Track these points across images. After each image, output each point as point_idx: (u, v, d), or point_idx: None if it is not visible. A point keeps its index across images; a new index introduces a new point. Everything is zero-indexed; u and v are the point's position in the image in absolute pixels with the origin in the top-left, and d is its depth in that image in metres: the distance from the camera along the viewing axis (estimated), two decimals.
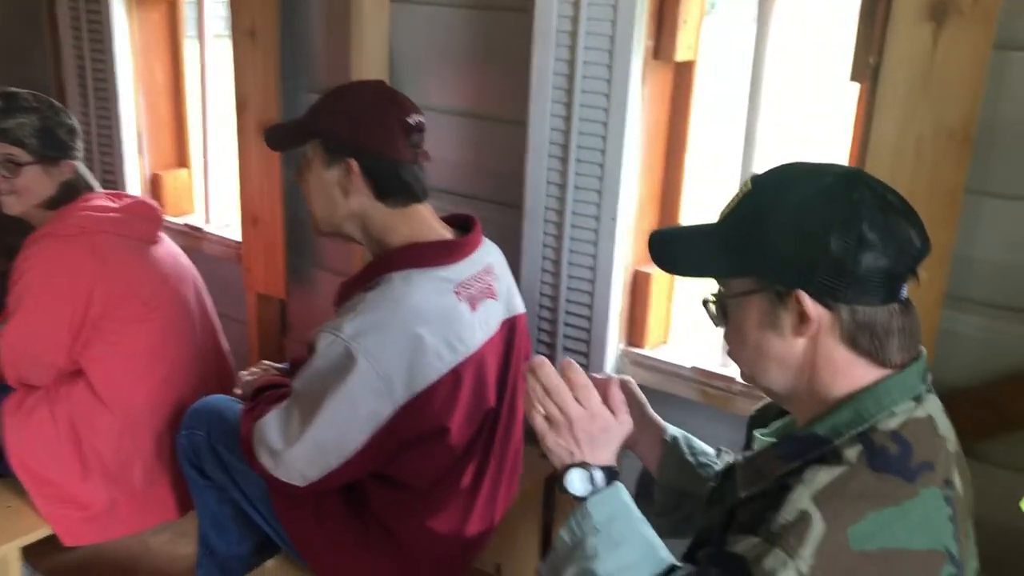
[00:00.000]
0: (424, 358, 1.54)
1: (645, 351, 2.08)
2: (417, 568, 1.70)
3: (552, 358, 2.12)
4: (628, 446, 1.34)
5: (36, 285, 1.92)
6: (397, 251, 1.62)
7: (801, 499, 0.95)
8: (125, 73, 2.74)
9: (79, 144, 2.04)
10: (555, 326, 2.10)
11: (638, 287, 2.07)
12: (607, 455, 1.12)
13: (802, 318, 1.00)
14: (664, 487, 1.34)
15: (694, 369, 2.00)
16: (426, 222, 1.67)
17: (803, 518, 0.94)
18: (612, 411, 1.14)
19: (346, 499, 1.68)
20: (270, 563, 1.82)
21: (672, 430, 1.36)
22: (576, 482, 1.10)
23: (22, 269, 1.94)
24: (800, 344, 1.02)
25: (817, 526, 0.93)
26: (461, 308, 1.61)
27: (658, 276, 2.06)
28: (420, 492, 1.65)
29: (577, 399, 1.11)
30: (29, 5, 3.02)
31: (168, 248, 2.13)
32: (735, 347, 1.10)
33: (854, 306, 0.99)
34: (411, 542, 1.67)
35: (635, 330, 2.10)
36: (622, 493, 1.11)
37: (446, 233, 1.69)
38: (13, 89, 2.00)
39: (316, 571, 1.74)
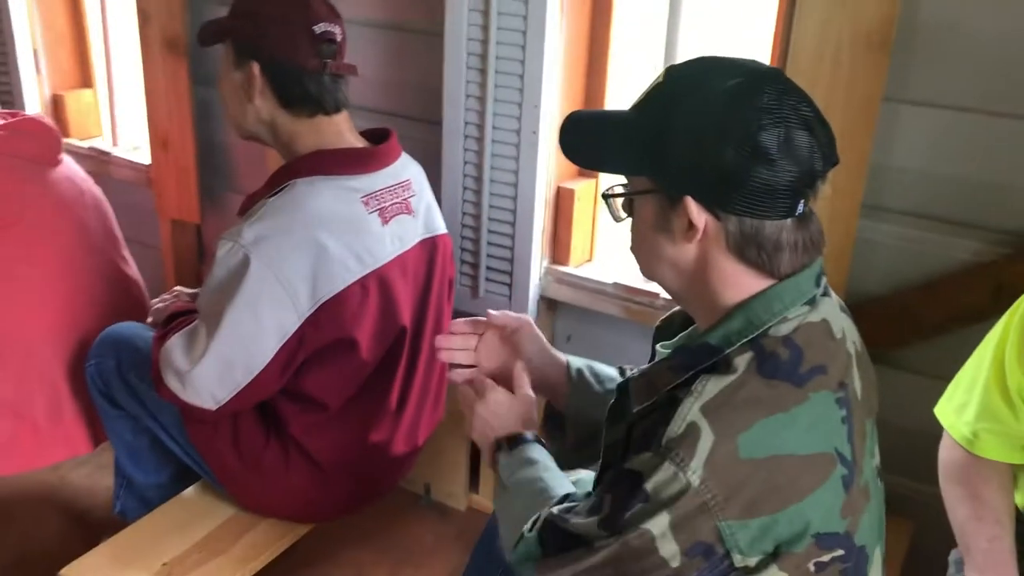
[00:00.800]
0: (329, 267, 1.50)
1: (569, 268, 2.07)
2: (339, 489, 1.68)
3: (475, 278, 2.09)
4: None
5: None
6: (303, 158, 1.57)
7: (690, 411, 0.94)
8: None
9: None
10: (478, 245, 2.06)
11: (561, 204, 2.04)
12: (510, 425, 1.22)
13: (689, 225, 0.98)
14: (574, 421, 1.33)
15: (617, 285, 1.99)
16: (339, 133, 1.61)
17: (691, 429, 0.93)
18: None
19: (262, 422, 1.65)
20: (189, 491, 1.79)
21: (575, 362, 1.35)
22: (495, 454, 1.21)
23: None
24: (690, 250, 1.00)
25: (706, 437, 0.93)
26: (370, 219, 1.57)
27: (581, 192, 2.03)
28: (337, 412, 1.62)
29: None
30: None
31: (68, 171, 2.02)
32: (633, 244, 1.09)
33: (743, 218, 0.96)
34: (331, 463, 1.65)
35: (559, 248, 2.08)
36: (525, 451, 1.18)
37: (358, 144, 1.63)
38: None
39: (236, 497, 1.72)
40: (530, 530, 1.06)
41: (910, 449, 1.74)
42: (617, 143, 1.03)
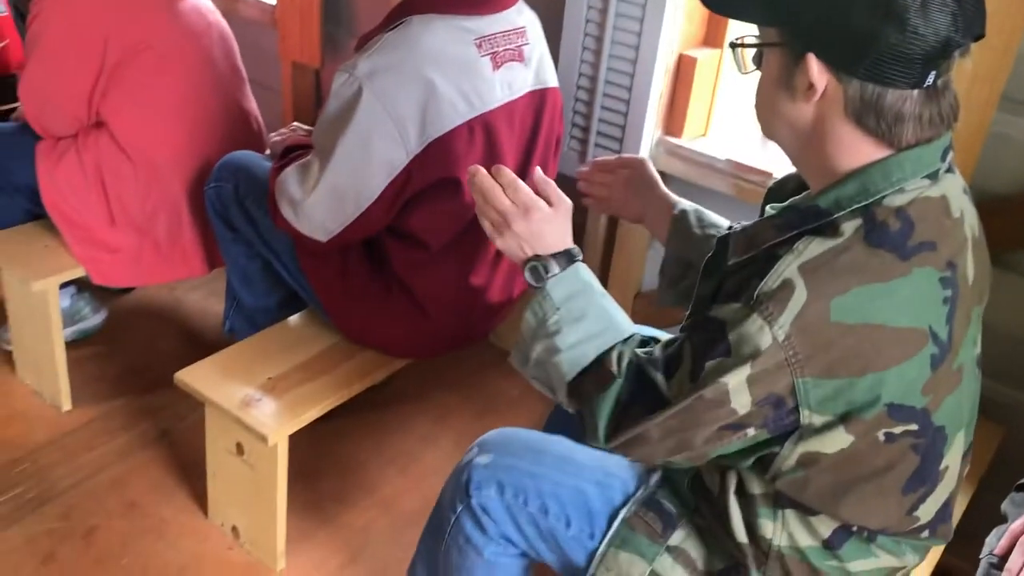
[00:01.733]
0: (437, 106, 1.51)
1: (681, 141, 2.03)
2: (435, 327, 1.74)
3: (585, 142, 2.08)
4: (635, 220, 1.41)
5: (48, 27, 1.88)
6: None
7: (788, 268, 0.93)
8: None
9: None
10: (591, 108, 2.03)
11: (682, 72, 1.98)
12: (556, 240, 1.14)
13: (809, 85, 0.95)
14: (671, 257, 1.37)
15: (729, 162, 1.95)
16: None
17: (786, 285, 0.93)
18: (547, 200, 1.14)
19: (368, 257, 1.71)
20: (295, 317, 1.88)
21: (683, 204, 1.38)
22: (529, 274, 1.13)
23: (35, 11, 1.89)
24: (808, 111, 0.97)
25: (799, 295, 0.92)
26: (482, 63, 1.57)
27: (704, 62, 1.97)
28: (438, 252, 1.66)
29: (509, 198, 1.14)
30: None
31: (198, 3, 2.06)
32: (756, 98, 1.06)
33: (865, 83, 0.92)
34: (430, 301, 1.71)
35: (674, 119, 2.03)
36: (581, 272, 1.13)
37: None
38: None
39: (338, 326, 1.80)
40: (616, 377, 1.05)
41: (1011, 356, 1.70)
42: None
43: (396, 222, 1.65)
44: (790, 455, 1.00)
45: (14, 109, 2.24)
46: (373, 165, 1.54)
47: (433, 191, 1.60)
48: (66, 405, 2.08)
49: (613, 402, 1.06)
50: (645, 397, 1.03)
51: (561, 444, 1.31)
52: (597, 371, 1.07)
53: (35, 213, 2.07)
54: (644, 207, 1.42)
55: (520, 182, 1.15)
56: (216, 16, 2.12)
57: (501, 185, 1.15)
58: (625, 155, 1.41)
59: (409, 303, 1.72)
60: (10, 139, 2.06)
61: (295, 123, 2.05)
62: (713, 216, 1.37)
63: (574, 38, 2.00)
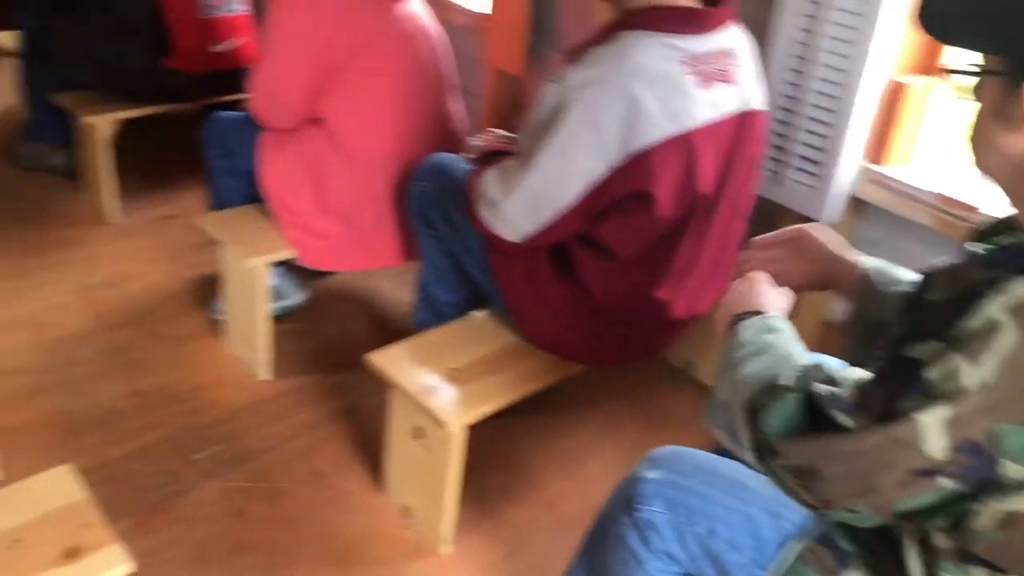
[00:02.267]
0: (641, 120, 1.54)
1: (886, 170, 1.95)
2: (615, 336, 1.77)
3: (782, 164, 2.04)
4: (820, 289, 1.34)
5: (279, 30, 2.05)
6: (633, 12, 1.60)
7: (994, 307, 0.88)
8: None
9: None
10: (792, 130, 2.00)
11: (892, 99, 1.92)
12: (761, 304, 1.20)
13: None
14: (857, 317, 1.30)
15: (934, 194, 1.86)
16: None
17: (992, 325, 0.87)
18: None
19: (556, 263, 1.76)
20: (478, 314, 1.96)
21: (866, 263, 1.30)
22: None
23: (271, 12, 2.06)
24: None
25: (1006, 335, 0.86)
26: (687, 80, 1.57)
27: (917, 89, 1.89)
28: (626, 262, 1.69)
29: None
30: None
31: (413, 9, 2.19)
32: (971, 129, 1.01)
33: None
34: (612, 310, 1.73)
35: (878, 146, 1.96)
36: (769, 320, 1.15)
37: (691, 5, 1.63)
38: None
39: (519, 325, 1.86)
40: (791, 390, 1.02)
41: None
42: (978, 13, 0.96)
43: (587, 230, 1.69)
44: (987, 514, 0.94)
45: (242, 100, 2.45)
46: (572, 173, 1.59)
47: (627, 203, 1.62)
48: (265, 375, 2.26)
49: (787, 419, 1.02)
50: (822, 429, 1.01)
51: (733, 469, 1.30)
52: (772, 385, 1.05)
53: (254, 196, 2.26)
54: (824, 274, 1.33)
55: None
56: (430, 22, 2.24)
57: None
58: (784, 230, 1.34)
59: (590, 310, 1.75)
60: (239, 128, 2.26)
61: (493, 128, 2.13)
62: (898, 271, 1.30)
63: (780, 58, 1.97)
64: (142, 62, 2.58)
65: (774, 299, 1.22)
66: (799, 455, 1.01)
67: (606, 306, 1.73)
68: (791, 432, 1.02)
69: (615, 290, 1.73)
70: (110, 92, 2.69)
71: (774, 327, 1.14)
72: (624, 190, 1.60)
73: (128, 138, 2.83)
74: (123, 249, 2.75)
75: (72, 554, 1.28)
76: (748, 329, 1.14)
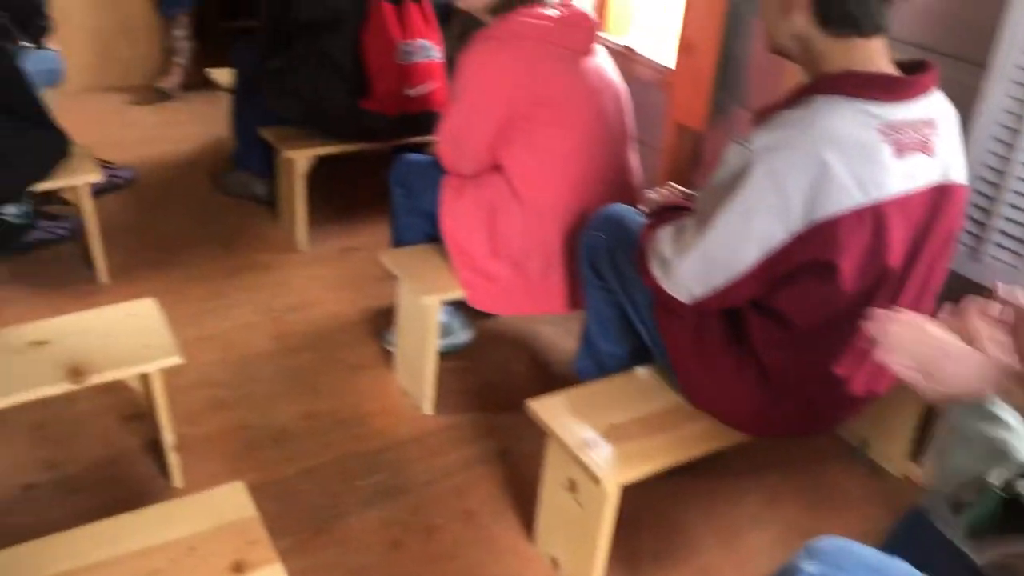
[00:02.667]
0: (829, 188, 1.48)
1: None
2: (784, 409, 1.70)
3: (981, 240, 1.91)
4: None
5: (469, 81, 2.13)
6: (828, 75, 1.54)
7: None
8: None
9: None
10: (995, 204, 1.87)
11: None
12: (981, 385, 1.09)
13: None
14: None
15: None
16: (870, 58, 1.55)
17: None
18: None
19: (727, 326, 1.71)
20: (642, 370, 1.93)
21: None
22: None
23: (462, 64, 2.15)
24: None
25: None
26: (882, 149, 1.50)
27: None
28: (804, 333, 1.62)
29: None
30: None
31: (599, 61, 2.21)
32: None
33: None
34: (784, 382, 1.67)
35: None
36: (990, 406, 1.06)
37: (890, 71, 1.56)
38: None
39: (684, 386, 1.82)
40: (998, 488, 0.96)
41: None
42: None
43: (762, 297, 1.64)
44: None
45: (430, 143, 2.56)
46: (751, 238, 1.55)
47: (808, 272, 1.56)
48: (429, 409, 2.32)
49: (983, 517, 0.97)
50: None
51: (903, 571, 1.21)
52: (980, 482, 0.98)
53: (433, 236, 2.34)
54: None
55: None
56: (615, 76, 2.26)
57: None
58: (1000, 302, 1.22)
59: (761, 379, 1.69)
60: (424, 170, 2.35)
61: (673, 184, 2.11)
62: None
63: (987, 127, 1.85)
64: (342, 102, 2.75)
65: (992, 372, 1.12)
66: (991, 552, 0.94)
67: (778, 377, 1.67)
68: (983, 530, 0.96)
69: (789, 362, 1.66)
70: (311, 129, 2.88)
71: (992, 415, 1.06)
72: (805, 259, 1.54)
73: (322, 172, 3.01)
74: (310, 276, 2.92)
75: (238, 568, 1.35)
76: (966, 414, 1.07)
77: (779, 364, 1.66)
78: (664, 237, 1.70)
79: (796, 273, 1.57)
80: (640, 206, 2.06)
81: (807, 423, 1.77)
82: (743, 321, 1.70)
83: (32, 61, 2.95)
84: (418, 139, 2.92)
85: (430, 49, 2.74)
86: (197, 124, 3.94)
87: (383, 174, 2.48)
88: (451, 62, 2.74)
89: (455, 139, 2.20)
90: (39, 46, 3.05)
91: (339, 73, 2.72)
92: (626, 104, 2.28)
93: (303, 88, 2.77)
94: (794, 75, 1.73)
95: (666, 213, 1.84)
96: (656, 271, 1.70)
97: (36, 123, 2.55)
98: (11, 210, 2.77)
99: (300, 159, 2.89)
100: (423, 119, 2.80)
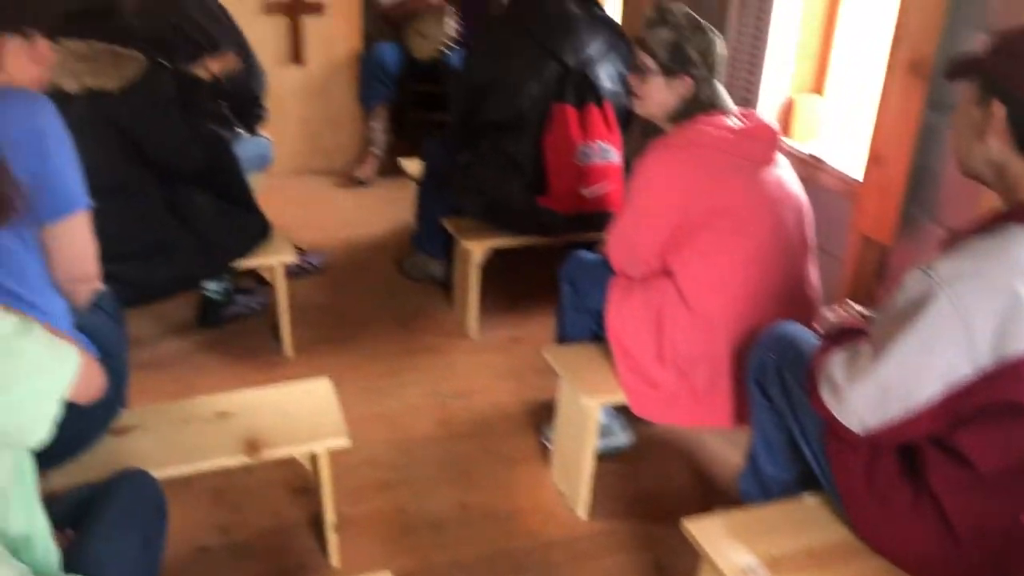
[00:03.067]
0: (1021, 322, 1.36)
1: None
2: (965, 557, 1.55)
3: None
4: None
5: (644, 187, 2.14)
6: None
7: None
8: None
9: (710, 64, 2.13)
10: None
11: None
12: None
13: None
14: None
15: None
16: None
17: None
18: None
19: (902, 462, 1.60)
20: (809, 498, 1.83)
21: None
22: None
23: (638, 168, 2.16)
24: None
25: None
26: None
27: None
28: (988, 477, 1.48)
29: None
30: None
31: (781, 172, 2.17)
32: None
33: None
34: (965, 528, 1.53)
35: None
36: None
37: None
38: (669, 5, 2.18)
39: (854, 521, 1.70)
40: None
41: None
42: None
43: (943, 432, 1.52)
44: None
45: (601, 241, 2.58)
46: (931, 371, 1.45)
47: (995, 412, 1.44)
48: (582, 512, 2.29)
49: None
50: None
51: None
52: None
53: (598, 335, 2.35)
54: None
55: None
56: (796, 187, 2.21)
57: None
58: None
59: (938, 522, 1.56)
60: (593, 269, 2.37)
61: (852, 303, 2.02)
62: None
63: None
64: (521, 199, 2.84)
65: None
66: None
67: (961, 523, 1.53)
68: None
69: (971, 506, 1.52)
70: (489, 222, 2.98)
71: None
72: (992, 398, 1.42)
73: (496, 262, 3.09)
74: (477, 363, 2.99)
75: None
76: None
77: (961, 509, 1.53)
78: (837, 361, 1.62)
79: (981, 412, 1.45)
80: (815, 325, 1.98)
81: (989, 574, 1.61)
82: (921, 457, 1.58)
83: (246, 147, 3.23)
84: (591, 236, 2.95)
85: (609, 151, 2.79)
86: (387, 209, 4.17)
87: (554, 268, 2.53)
88: (629, 165, 2.78)
89: (625, 241, 2.21)
90: (253, 133, 3.35)
91: (520, 171, 2.82)
92: (807, 216, 2.22)
93: (485, 184, 2.88)
94: (991, 202, 1.63)
95: (842, 336, 1.76)
96: (827, 397, 1.62)
97: (243, 206, 2.79)
98: (212, 286, 3.03)
99: (477, 250, 2.98)
100: (597, 218, 2.83)
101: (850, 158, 2.80)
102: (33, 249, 1.61)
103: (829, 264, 2.67)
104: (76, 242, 1.72)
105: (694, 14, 2.17)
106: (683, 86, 2.16)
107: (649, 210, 2.14)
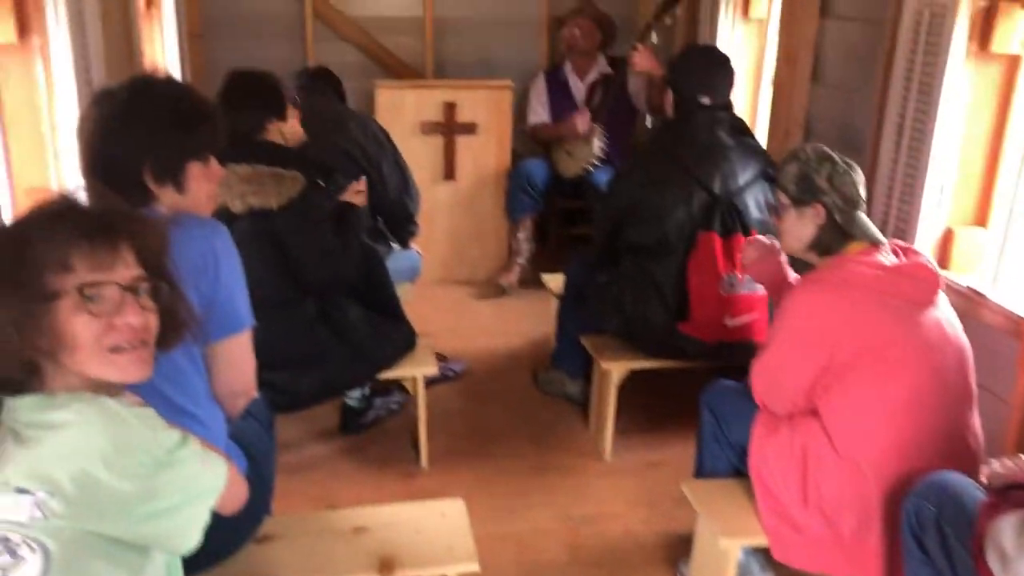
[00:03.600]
0: None
1: None
2: None
3: None
4: None
5: (791, 323, 2.09)
6: None
7: None
8: (945, 127, 2.71)
9: (843, 192, 2.09)
10: None
11: None
12: None
13: None
14: None
15: None
16: None
17: None
18: None
19: None
20: None
21: None
22: None
23: (785, 303, 2.12)
24: None
25: None
26: None
27: None
28: None
29: None
30: (867, 46, 3.20)
31: (941, 314, 2.07)
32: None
33: None
34: None
35: None
36: None
37: None
38: (804, 144, 2.16)
39: None
40: None
41: None
42: None
43: None
44: None
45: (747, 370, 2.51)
46: None
47: None
48: None
49: None
50: None
51: None
52: None
53: (738, 470, 2.26)
54: None
55: None
56: (957, 331, 2.10)
57: None
58: None
59: None
60: (737, 400, 2.31)
61: (1021, 454, 1.88)
62: None
63: None
64: (662, 324, 2.82)
65: None
66: None
67: None
68: None
69: None
70: (628, 343, 2.97)
71: None
72: None
73: (635, 381, 3.05)
74: (609, 487, 2.93)
75: None
76: None
77: None
78: (1006, 528, 1.50)
79: None
80: (981, 478, 1.84)
81: None
82: None
83: (397, 260, 3.38)
84: (735, 364, 2.88)
85: (754, 281, 2.75)
86: (527, 320, 4.22)
87: (696, 391, 2.47)
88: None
89: (770, 376, 2.15)
90: (406, 247, 3.50)
91: (661, 296, 2.81)
92: (970, 362, 2.10)
93: (626, 305, 2.88)
94: None
95: (1012, 493, 1.63)
96: (993, 564, 1.50)
97: (391, 317, 2.89)
98: (354, 394, 3.13)
99: (616, 370, 2.97)
100: (741, 348, 2.77)
101: (1015, 293, 2.65)
102: (199, 364, 1.72)
103: (994, 406, 2.49)
104: (238, 358, 1.82)
105: (825, 148, 2.16)
106: (816, 215, 2.12)
107: (795, 346, 2.08)
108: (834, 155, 2.15)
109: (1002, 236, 2.76)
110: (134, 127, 1.67)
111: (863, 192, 2.14)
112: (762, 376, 2.18)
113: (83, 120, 1.76)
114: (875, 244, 2.11)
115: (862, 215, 2.14)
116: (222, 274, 1.71)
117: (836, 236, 2.12)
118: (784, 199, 2.17)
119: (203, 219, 1.76)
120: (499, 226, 4.70)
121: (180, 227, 1.49)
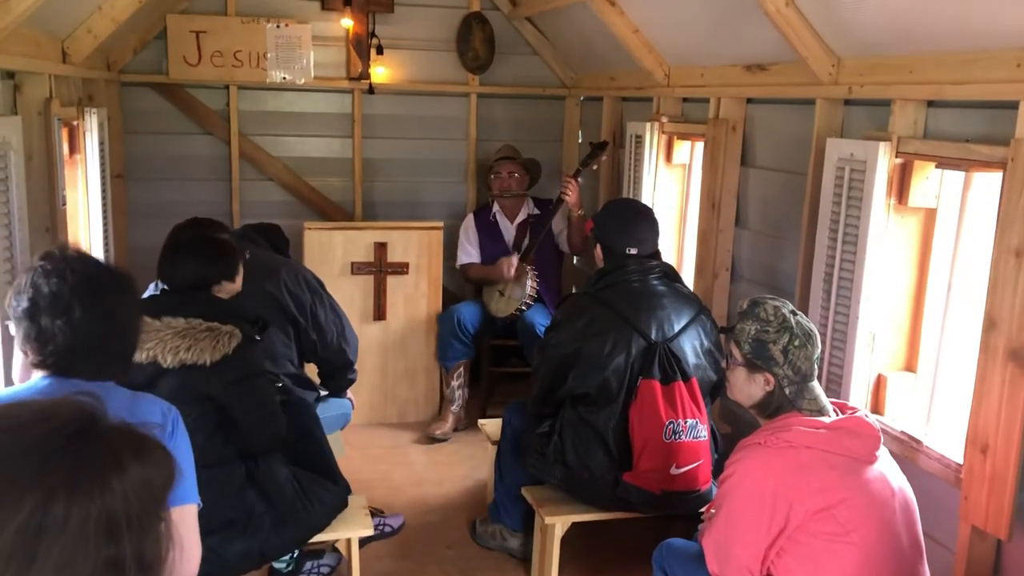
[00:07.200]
0: None
1: None
2: None
3: None
4: None
5: (739, 493, 2.05)
6: None
7: None
8: (872, 277, 2.80)
9: (796, 366, 2.08)
10: None
11: None
12: None
13: None
14: None
15: None
16: None
17: None
18: None
19: None
20: None
21: None
22: None
23: (729, 469, 2.09)
24: None
25: None
26: None
27: None
28: None
29: None
30: (790, 195, 3.31)
31: (882, 468, 2.06)
32: None
33: None
34: None
35: None
36: None
37: None
38: (764, 298, 2.19)
39: None
40: None
41: None
42: None
43: None
44: None
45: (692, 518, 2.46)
46: None
47: None
48: None
49: None
50: None
51: None
52: None
53: None
54: None
55: None
56: (902, 483, 2.10)
57: None
58: None
59: None
60: (688, 563, 2.28)
61: None
62: None
63: None
64: (605, 475, 2.76)
65: None
66: None
67: None
68: None
69: None
70: (571, 494, 2.89)
71: None
72: None
73: (578, 530, 2.95)
74: None
75: None
76: None
77: None
78: None
79: None
80: None
81: None
82: None
83: (327, 408, 3.27)
84: (680, 513, 2.83)
85: (698, 428, 2.73)
86: (464, 466, 4.11)
87: (641, 542, 2.39)
88: (716, 442, 2.70)
89: (720, 547, 2.09)
90: (340, 396, 3.39)
91: (604, 446, 2.76)
92: (915, 515, 2.10)
93: (568, 456, 2.82)
94: None
95: None
96: None
97: (323, 474, 2.75)
98: (283, 557, 2.94)
99: (558, 524, 2.87)
100: (687, 497, 2.72)
101: (947, 438, 2.69)
102: None
103: (938, 553, 2.48)
104: (183, 535, 1.68)
105: (786, 312, 2.14)
106: (766, 383, 2.12)
107: (743, 516, 2.03)
108: (794, 322, 2.12)
109: (931, 381, 2.83)
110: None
111: (816, 366, 2.14)
112: (713, 546, 2.11)
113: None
114: (821, 412, 2.11)
115: (814, 385, 2.14)
116: (177, 435, 1.73)
117: (783, 403, 2.12)
118: (737, 354, 2.17)
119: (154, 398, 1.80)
120: (430, 365, 4.63)
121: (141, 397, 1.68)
